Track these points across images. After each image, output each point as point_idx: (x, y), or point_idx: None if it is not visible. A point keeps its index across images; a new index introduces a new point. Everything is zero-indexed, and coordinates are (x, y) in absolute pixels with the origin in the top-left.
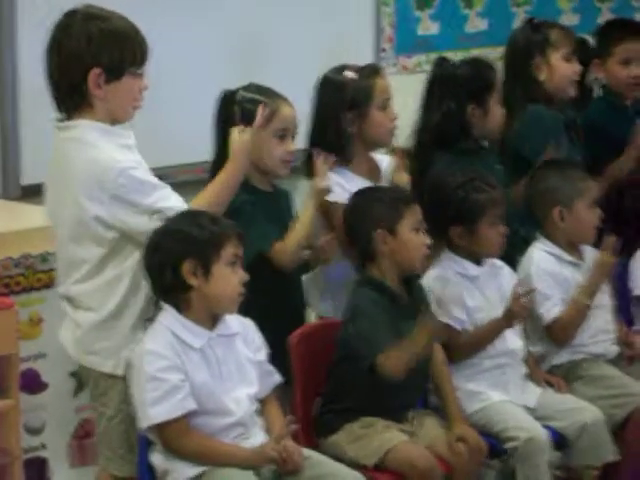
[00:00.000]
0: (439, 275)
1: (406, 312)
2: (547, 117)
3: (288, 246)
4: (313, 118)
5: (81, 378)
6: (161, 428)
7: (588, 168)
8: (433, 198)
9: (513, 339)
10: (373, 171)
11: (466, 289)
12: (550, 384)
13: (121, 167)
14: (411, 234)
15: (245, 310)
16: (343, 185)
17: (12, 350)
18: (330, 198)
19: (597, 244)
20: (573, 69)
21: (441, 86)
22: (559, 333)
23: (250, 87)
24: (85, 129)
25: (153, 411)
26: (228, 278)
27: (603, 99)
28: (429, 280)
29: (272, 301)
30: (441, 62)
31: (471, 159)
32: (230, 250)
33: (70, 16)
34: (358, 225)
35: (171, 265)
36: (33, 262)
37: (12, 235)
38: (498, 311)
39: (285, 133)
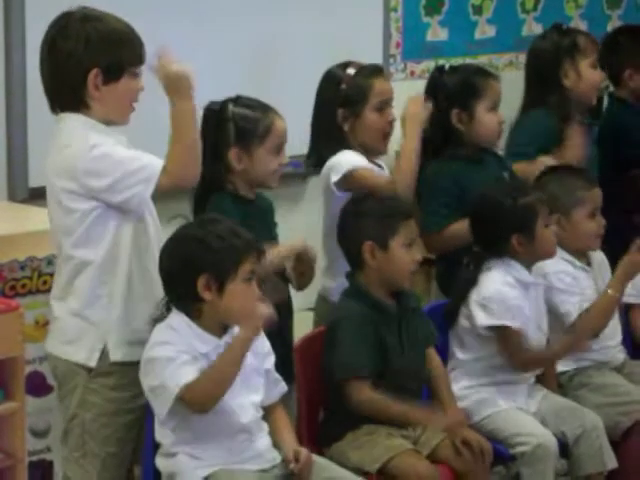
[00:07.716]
0: (504, 280)
1: (392, 320)
2: (539, 122)
3: None
4: (313, 109)
5: None
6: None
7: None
8: (485, 213)
9: None
10: None
11: (525, 297)
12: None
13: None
14: (402, 250)
15: None
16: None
17: (17, 352)
18: (351, 165)
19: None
20: (600, 76)
21: (428, 94)
22: (588, 324)
23: (239, 101)
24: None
25: (178, 374)
26: (242, 294)
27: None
28: (497, 285)
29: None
30: (434, 71)
31: (470, 167)
32: (247, 267)
33: (66, 17)
34: (350, 233)
35: (186, 276)
36: (39, 265)
37: (18, 237)
38: (532, 326)
39: (281, 147)
